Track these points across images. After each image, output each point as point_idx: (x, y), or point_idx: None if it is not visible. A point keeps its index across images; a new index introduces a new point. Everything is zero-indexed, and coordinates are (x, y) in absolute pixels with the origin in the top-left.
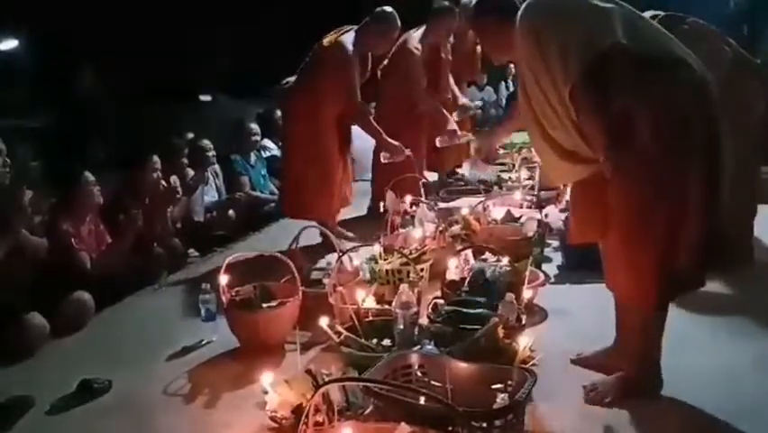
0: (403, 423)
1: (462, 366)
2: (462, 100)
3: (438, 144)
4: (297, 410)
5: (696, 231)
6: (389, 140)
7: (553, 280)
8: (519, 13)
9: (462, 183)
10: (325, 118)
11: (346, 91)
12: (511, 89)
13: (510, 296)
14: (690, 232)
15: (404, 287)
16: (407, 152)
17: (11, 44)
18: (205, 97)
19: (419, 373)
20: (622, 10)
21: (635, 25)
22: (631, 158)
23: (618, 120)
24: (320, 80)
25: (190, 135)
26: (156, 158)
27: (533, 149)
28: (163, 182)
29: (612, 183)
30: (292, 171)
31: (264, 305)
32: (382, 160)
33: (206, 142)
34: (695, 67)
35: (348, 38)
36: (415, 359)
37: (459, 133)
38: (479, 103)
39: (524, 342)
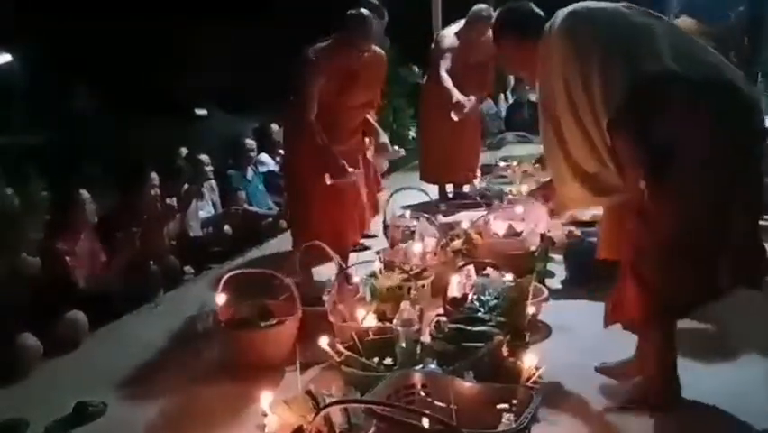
0: None
1: (466, 386)
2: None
3: (374, 159)
4: None
5: (736, 253)
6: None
7: (556, 295)
8: (557, 21)
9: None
10: (296, 134)
11: (297, 100)
12: (510, 101)
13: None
14: (730, 255)
15: (405, 304)
16: (357, 172)
17: (4, 59)
18: (201, 112)
19: (422, 393)
20: (663, 26)
21: (679, 44)
22: (673, 186)
23: (661, 149)
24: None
25: (185, 151)
26: (154, 174)
27: (550, 174)
28: (160, 200)
29: (647, 211)
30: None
31: (263, 323)
32: (327, 181)
33: (204, 157)
34: (744, 89)
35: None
36: (417, 378)
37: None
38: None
39: (528, 360)
